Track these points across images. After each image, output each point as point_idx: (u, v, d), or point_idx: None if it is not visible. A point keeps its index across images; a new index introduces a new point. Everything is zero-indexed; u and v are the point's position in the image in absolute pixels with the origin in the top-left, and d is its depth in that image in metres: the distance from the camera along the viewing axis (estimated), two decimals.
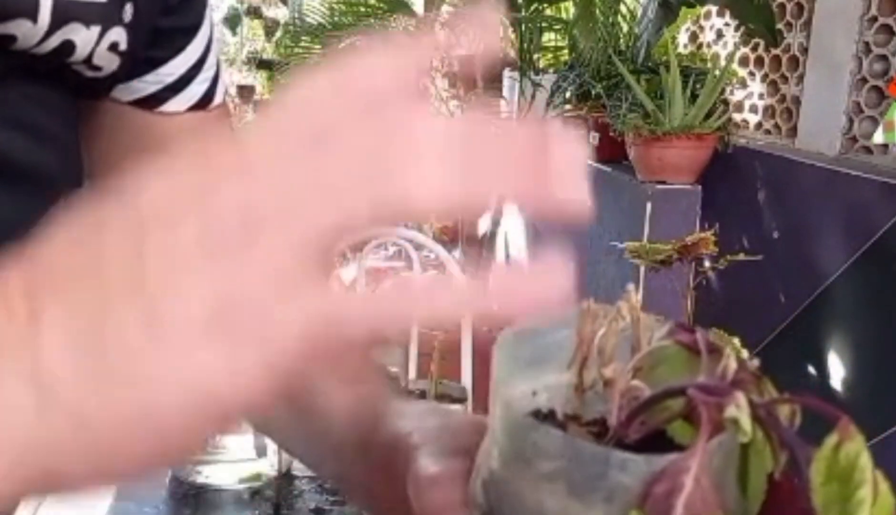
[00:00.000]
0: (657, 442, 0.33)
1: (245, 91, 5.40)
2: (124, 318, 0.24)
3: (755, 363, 0.29)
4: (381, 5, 2.94)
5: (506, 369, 0.36)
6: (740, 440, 0.27)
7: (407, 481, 0.41)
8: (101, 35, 0.48)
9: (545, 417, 0.37)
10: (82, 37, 0.47)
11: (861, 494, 0.24)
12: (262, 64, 5.25)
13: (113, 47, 0.50)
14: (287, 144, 0.25)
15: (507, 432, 0.33)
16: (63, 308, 0.24)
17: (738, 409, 0.26)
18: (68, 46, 0.47)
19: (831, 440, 0.25)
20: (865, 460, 0.25)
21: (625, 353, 0.35)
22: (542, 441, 0.31)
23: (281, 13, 5.49)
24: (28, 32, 0.45)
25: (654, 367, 0.33)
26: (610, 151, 2.48)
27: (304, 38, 3.05)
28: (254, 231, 0.24)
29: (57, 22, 0.45)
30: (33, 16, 0.44)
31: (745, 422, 0.26)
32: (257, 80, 5.46)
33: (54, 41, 0.46)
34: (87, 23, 0.47)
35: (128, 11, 0.50)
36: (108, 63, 0.50)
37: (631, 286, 0.34)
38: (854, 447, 0.25)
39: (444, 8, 3.08)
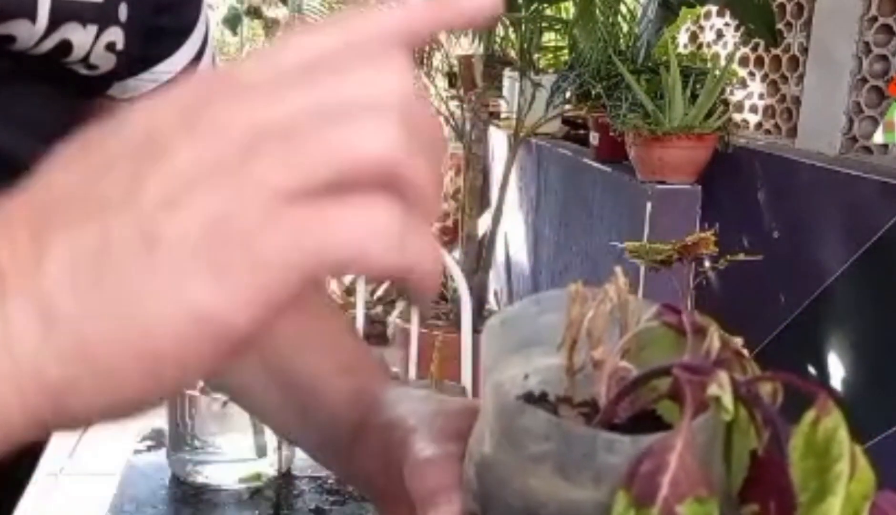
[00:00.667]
0: (647, 422, 0.33)
1: None
2: (122, 239, 0.24)
3: (739, 341, 0.29)
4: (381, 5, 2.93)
5: (494, 354, 0.36)
6: (723, 418, 0.27)
7: (402, 464, 0.41)
8: (98, 35, 0.49)
9: (537, 399, 0.38)
10: (79, 36, 0.48)
11: (839, 468, 0.24)
12: None
13: (110, 47, 0.50)
14: (285, 72, 0.25)
15: (497, 415, 0.34)
16: (63, 232, 0.24)
17: (721, 387, 0.26)
18: (65, 46, 0.47)
19: (809, 415, 0.26)
20: (843, 434, 0.25)
21: (614, 335, 0.35)
22: (531, 424, 0.32)
23: (281, 13, 5.49)
24: (27, 33, 0.45)
25: (642, 348, 0.33)
26: (610, 151, 2.48)
27: None
28: (252, 152, 0.24)
29: (55, 22, 0.46)
30: (32, 16, 0.45)
31: (728, 400, 0.26)
32: None
33: (52, 41, 0.46)
34: (84, 22, 0.48)
35: (122, 11, 0.50)
36: (105, 62, 0.51)
37: (618, 269, 0.34)
38: (832, 422, 0.25)
39: None
